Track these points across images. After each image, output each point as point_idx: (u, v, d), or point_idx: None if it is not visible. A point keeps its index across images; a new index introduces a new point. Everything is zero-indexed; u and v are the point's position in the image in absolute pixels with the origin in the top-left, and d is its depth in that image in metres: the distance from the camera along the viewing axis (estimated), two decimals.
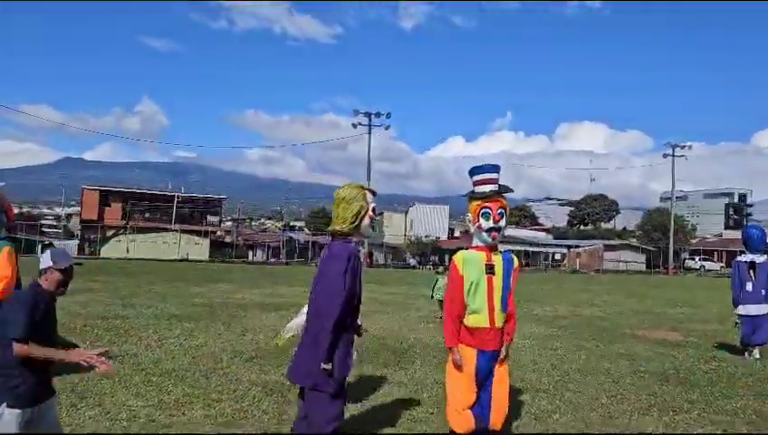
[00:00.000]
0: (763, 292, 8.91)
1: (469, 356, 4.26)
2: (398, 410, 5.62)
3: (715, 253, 68.68)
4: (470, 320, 4.27)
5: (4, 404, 3.32)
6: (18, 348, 3.31)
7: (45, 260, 3.51)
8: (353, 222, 3.99)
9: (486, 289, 4.27)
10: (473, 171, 4.52)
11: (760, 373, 7.84)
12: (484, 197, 4.37)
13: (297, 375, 3.99)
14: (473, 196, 4.44)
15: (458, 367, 4.27)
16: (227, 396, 5.83)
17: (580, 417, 5.61)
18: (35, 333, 3.36)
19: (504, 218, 4.39)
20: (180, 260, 46.11)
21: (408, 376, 7.01)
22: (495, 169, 4.50)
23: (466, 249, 4.48)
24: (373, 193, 4.15)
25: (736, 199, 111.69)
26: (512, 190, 4.48)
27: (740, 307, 9.09)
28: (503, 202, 4.40)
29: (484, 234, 4.33)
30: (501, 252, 4.45)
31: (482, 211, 4.34)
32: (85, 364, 3.34)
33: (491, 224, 4.30)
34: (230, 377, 6.61)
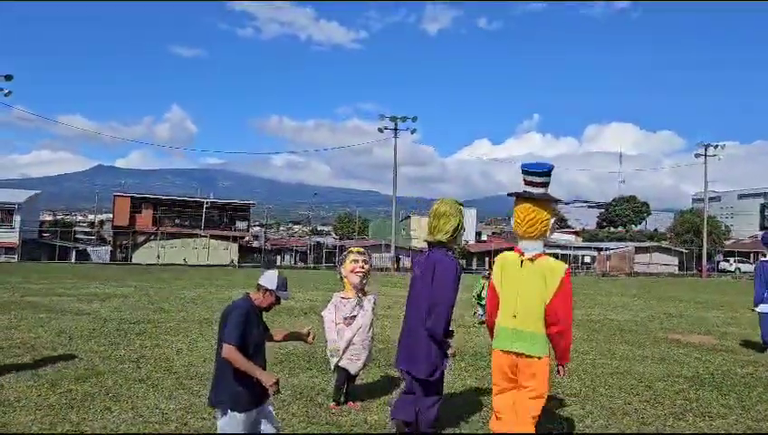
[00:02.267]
0: None
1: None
2: None
3: (751, 254, 66.89)
4: None
5: (229, 408, 3.58)
6: (227, 350, 3.51)
7: (270, 281, 3.77)
8: (452, 234, 4.49)
9: None
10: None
11: None
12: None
13: (420, 369, 4.39)
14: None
15: None
16: None
17: (613, 422, 5.52)
18: (245, 342, 3.59)
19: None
20: (209, 265, 46.67)
21: None
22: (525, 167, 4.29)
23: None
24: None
25: None
26: (514, 194, 4.26)
27: (761, 305, 9.39)
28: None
29: None
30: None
31: None
32: (270, 391, 3.53)
33: None
34: None
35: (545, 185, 4.21)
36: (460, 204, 4.66)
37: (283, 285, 3.80)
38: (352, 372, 5.67)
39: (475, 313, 13.07)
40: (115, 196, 57.87)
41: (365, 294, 5.81)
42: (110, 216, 63.30)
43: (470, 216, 76.07)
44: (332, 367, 5.78)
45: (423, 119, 53.63)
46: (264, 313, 3.85)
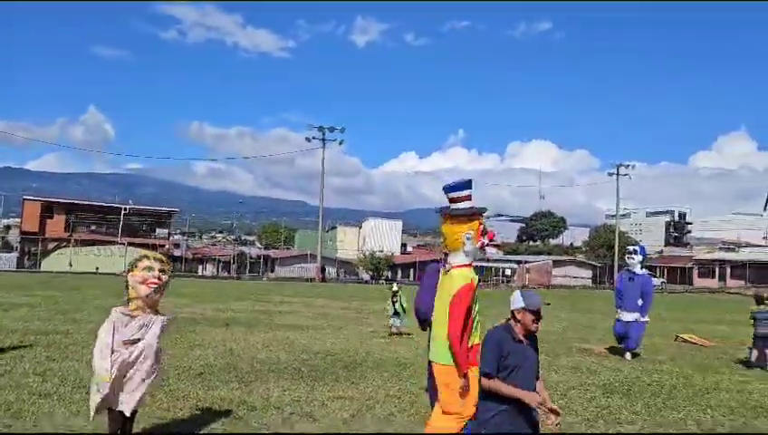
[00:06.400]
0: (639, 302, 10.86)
1: None
2: (349, 425, 5.57)
3: (657, 269, 71.11)
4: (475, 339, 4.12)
5: (483, 431, 3.76)
6: (483, 382, 3.76)
7: (517, 301, 3.92)
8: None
9: None
10: (465, 186, 4.28)
11: (699, 386, 8.14)
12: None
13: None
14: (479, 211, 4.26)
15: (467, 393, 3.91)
16: (173, 414, 5.66)
17: None
18: (502, 367, 3.78)
19: None
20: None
21: (360, 391, 6.97)
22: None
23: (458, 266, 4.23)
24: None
25: (677, 218, 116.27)
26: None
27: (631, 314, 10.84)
28: None
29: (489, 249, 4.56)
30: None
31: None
32: (539, 410, 3.74)
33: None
34: (177, 394, 6.42)
35: (459, 200, 4.22)
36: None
37: (527, 298, 3.93)
38: (127, 412, 4.30)
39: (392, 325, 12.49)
40: (24, 199, 54.59)
41: (157, 312, 4.52)
42: (18, 221, 59.60)
43: (395, 228, 76.92)
44: (93, 407, 4.28)
45: (350, 130, 53.99)
46: (534, 334, 4.01)
